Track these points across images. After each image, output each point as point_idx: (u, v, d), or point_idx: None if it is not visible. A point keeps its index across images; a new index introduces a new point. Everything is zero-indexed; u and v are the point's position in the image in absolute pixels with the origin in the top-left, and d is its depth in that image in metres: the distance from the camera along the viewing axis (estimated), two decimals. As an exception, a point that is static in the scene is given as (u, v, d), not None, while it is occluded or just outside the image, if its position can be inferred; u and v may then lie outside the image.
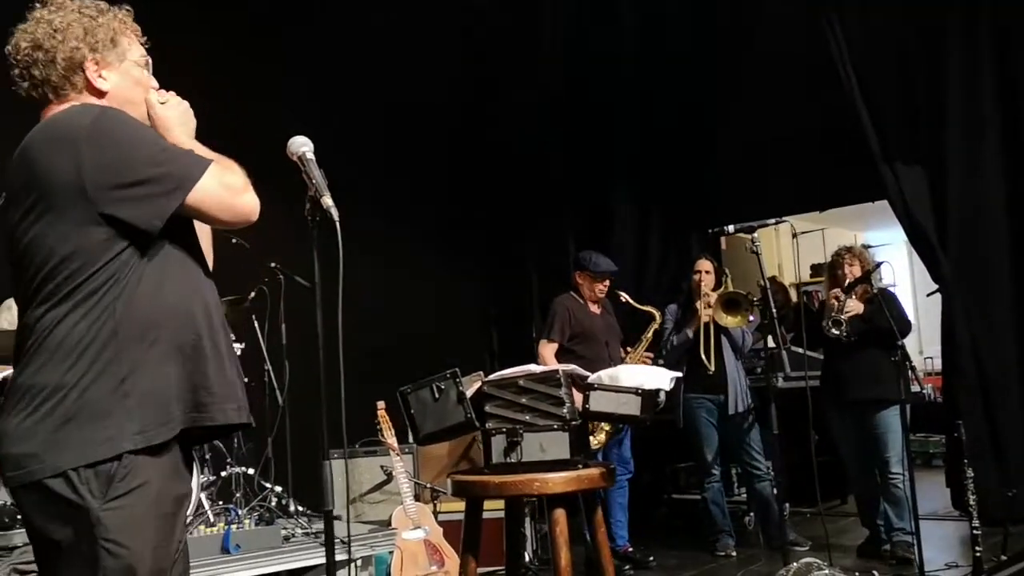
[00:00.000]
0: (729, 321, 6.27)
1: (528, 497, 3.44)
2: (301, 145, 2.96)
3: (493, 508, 4.34)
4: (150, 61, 2.49)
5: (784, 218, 5.22)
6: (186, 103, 2.50)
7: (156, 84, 2.49)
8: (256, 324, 6.30)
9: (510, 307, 9.09)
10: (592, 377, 3.47)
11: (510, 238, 9.06)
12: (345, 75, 7.80)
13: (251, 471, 6.06)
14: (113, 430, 2.11)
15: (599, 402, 3.28)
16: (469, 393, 3.34)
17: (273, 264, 6.16)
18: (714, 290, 6.38)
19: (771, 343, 6.20)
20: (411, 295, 8.11)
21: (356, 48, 7.88)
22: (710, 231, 8.59)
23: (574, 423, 3.30)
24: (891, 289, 6.60)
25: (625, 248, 8.20)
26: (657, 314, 6.35)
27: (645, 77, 8.50)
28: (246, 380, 5.92)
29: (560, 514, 3.27)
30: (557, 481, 3.23)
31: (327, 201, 2.91)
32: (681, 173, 8.28)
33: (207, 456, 5.98)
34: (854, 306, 5.77)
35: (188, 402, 2.23)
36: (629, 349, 6.36)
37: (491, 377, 3.42)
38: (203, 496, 5.62)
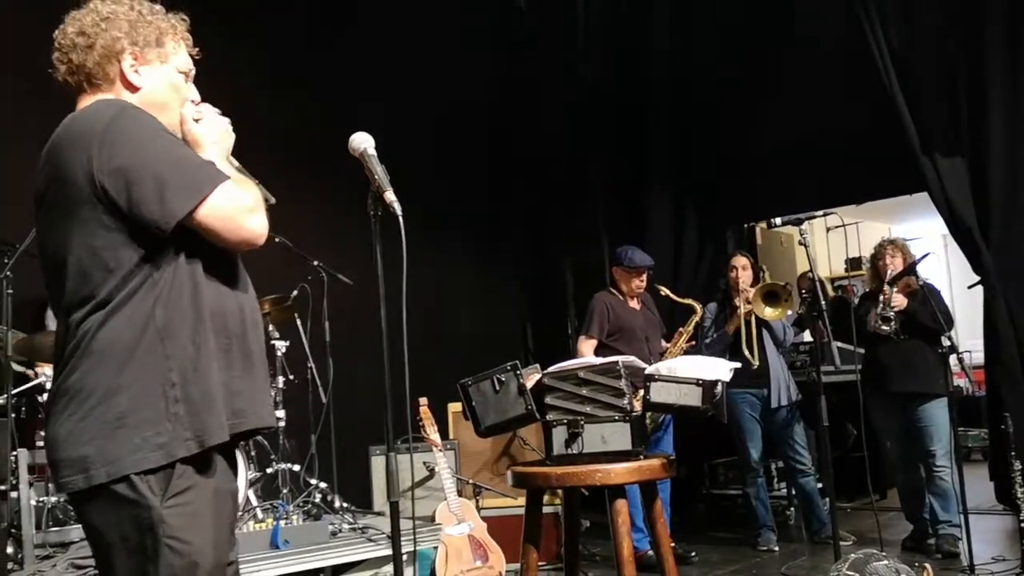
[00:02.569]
0: (769, 314, 6.23)
1: (589, 488, 3.44)
2: (363, 142, 2.99)
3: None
4: (193, 72, 2.47)
5: (831, 211, 5.19)
6: (225, 120, 2.45)
7: (197, 97, 2.46)
8: (299, 322, 6.36)
9: (546, 305, 9.10)
10: (650, 368, 3.48)
11: (546, 236, 9.09)
12: (384, 75, 7.85)
13: (296, 468, 6.11)
14: (166, 436, 2.12)
15: (660, 393, 3.28)
16: (529, 385, 3.36)
17: (316, 262, 6.20)
18: (752, 286, 6.37)
19: (810, 337, 6.20)
20: (448, 293, 8.15)
21: (395, 49, 7.93)
22: (746, 225, 8.58)
23: (635, 414, 3.32)
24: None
25: (661, 244, 8.18)
26: (698, 307, 6.30)
27: (679, 74, 8.49)
28: (291, 378, 6.00)
29: (622, 504, 3.29)
30: (619, 472, 3.24)
31: (390, 196, 2.92)
32: (715, 169, 8.27)
33: (252, 453, 6.04)
34: (898, 300, 5.75)
35: (227, 406, 2.24)
36: (667, 344, 6.33)
37: (551, 369, 3.44)
38: (250, 492, 5.67)
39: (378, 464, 6.60)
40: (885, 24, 6.69)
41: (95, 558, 2.26)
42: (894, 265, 5.88)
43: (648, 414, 5.70)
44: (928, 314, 5.45)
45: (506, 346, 8.76)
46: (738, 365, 3.68)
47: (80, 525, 4.92)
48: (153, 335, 2.15)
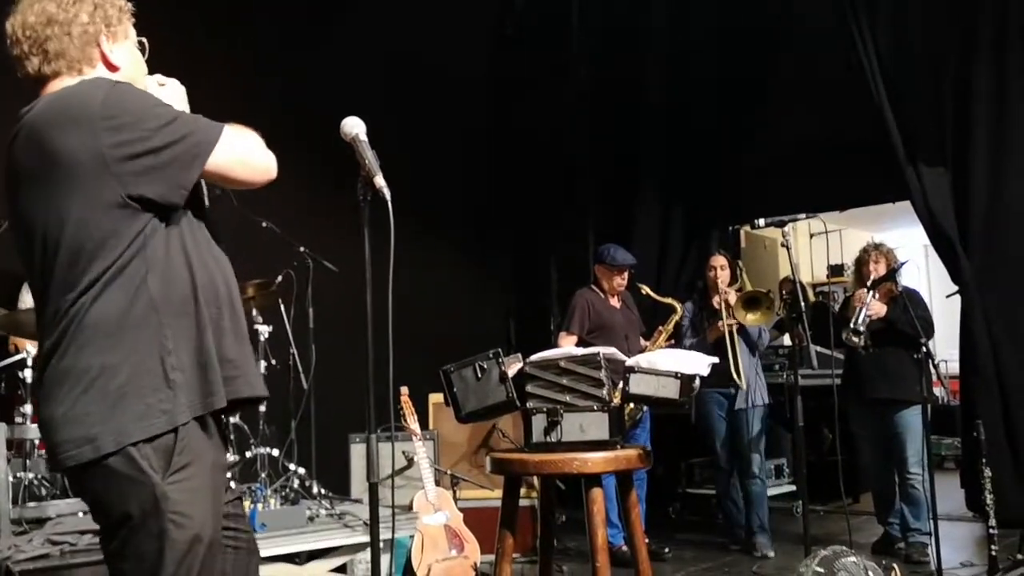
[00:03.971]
0: (750, 319, 6.18)
1: (566, 476, 3.47)
2: (354, 126, 3.02)
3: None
4: (146, 44, 2.50)
5: (815, 215, 5.21)
6: (183, 87, 2.53)
7: (146, 69, 2.51)
8: (283, 308, 6.37)
9: (530, 300, 9.14)
10: (630, 361, 3.52)
11: (532, 232, 9.11)
12: (375, 70, 7.86)
13: (275, 452, 6.12)
14: (168, 404, 2.15)
15: (639, 385, 3.33)
16: (510, 373, 3.39)
17: (302, 248, 6.22)
18: (729, 285, 6.35)
19: (789, 340, 6.25)
20: (432, 286, 8.17)
21: (387, 43, 7.95)
22: (731, 228, 8.64)
23: (613, 405, 3.36)
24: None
25: (646, 243, 8.24)
26: (679, 306, 6.33)
27: (671, 76, 8.56)
28: (273, 363, 6.01)
29: (597, 493, 3.32)
30: (597, 461, 3.27)
31: (379, 181, 2.95)
32: (703, 171, 8.33)
33: (231, 436, 6.05)
34: (876, 308, 5.80)
35: (223, 373, 2.27)
36: (646, 343, 6.36)
37: (533, 358, 3.47)
38: (228, 475, 5.68)
39: (357, 451, 6.63)
40: (874, 33, 6.77)
41: (101, 535, 2.29)
42: (877, 271, 5.92)
43: (627, 410, 5.75)
44: (908, 321, 5.50)
45: (488, 340, 8.70)
46: (716, 360, 3.72)
47: (59, 503, 4.97)
48: (147, 304, 2.17)
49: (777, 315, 6.76)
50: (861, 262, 6.09)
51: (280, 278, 6.26)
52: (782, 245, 4.85)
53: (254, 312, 6.29)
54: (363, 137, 3.02)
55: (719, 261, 6.47)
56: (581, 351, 3.43)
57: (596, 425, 3.30)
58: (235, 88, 7.01)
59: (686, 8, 8.44)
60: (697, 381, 3.53)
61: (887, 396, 5.86)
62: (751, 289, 6.28)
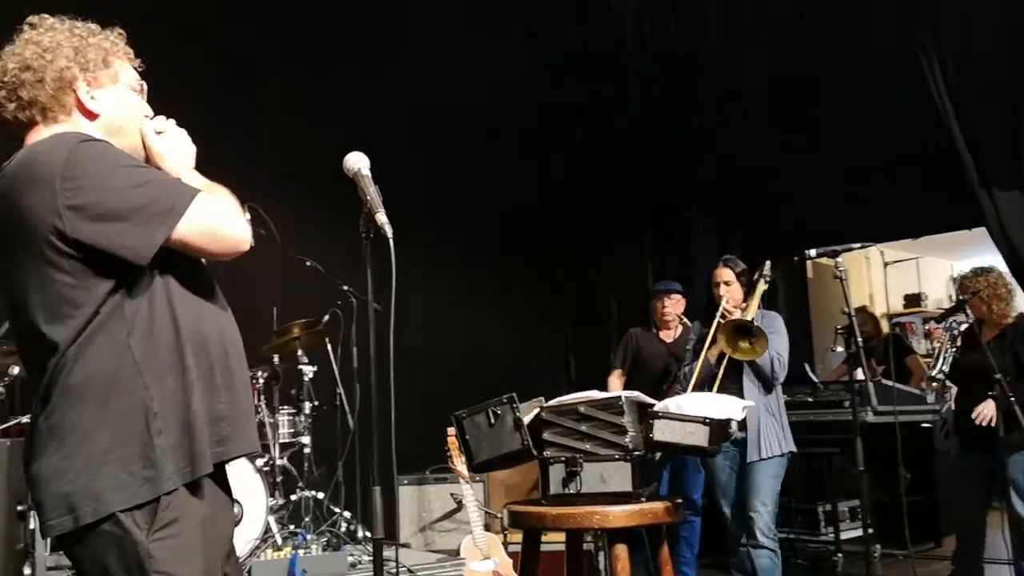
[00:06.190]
0: (741, 353, 4.93)
1: (587, 530, 3.25)
2: (357, 162, 2.98)
3: (557, 540, 4.18)
4: (145, 86, 2.41)
5: (871, 244, 4.83)
6: (183, 131, 2.40)
7: (151, 112, 2.40)
8: (329, 347, 6.30)
9: (590, 335, 8.95)
10: (658, 405, 3.29)
11: (589, 266, 8.96)
12: (427, 99, 7.81)
13: (320, 495, 6.03)
14: (151, 471, 2.07)
15: (663, 431, 3.09)
16: (527, 419, 3.19)
17: (346, 287, 6.13)
18: (745, 301, 5.23)
19: (860, 375, 5.84)
20: (490, 322, 8.08)
21: (444, 73, 7.89)
22: (795, 258, 8.32)
23: (637, 453, 3.13)
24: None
25: (706, 275, 7.98)
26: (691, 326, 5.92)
27: (727, 101, 8.34)
28: (316, 403, 5.94)
29: (621, 550, 3.09)
30: (618, 515, 3.05)
31: (381, 217, 2.89)
32: (764, 198, 8.10)
33: (279, 479, 5.97)
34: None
35: (213, 433, 2.18)
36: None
37: (550, 403, 3.27)
38: (272, 519, 5.59)
39: (405, 494, 6.50)
40: (941, 52, 6.46)
41: None
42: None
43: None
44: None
45: (547, 376, 8.64)
46: (752, 403, 3.47)
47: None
48: (130, 366, 2.09)
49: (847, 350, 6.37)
50: (967, 290, 5.41)
51: (327, 317, 6.21)
52: (835, 277, 4.56)
53: (299, 352, 6.22)
54: (366, 172, 2.98)
55: (723, 275, 5.26)
56: (602, 395, 3.20)
57: (618, 475, 3.08)
58: (274, 119, 7.02)
59: (738, 33, 8.23)
60: (733, 426, 3.28)
61: (1005, 438, 5.13)
62: (735, 318, 5.02)
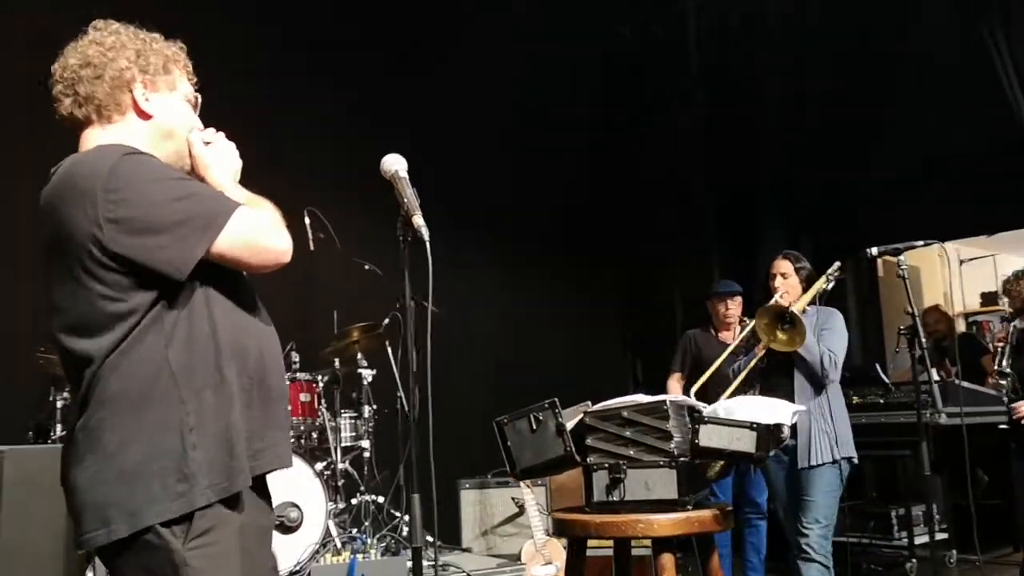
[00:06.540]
0: (778, 343, 4.56)
1: (632, 539, 3.18)
2: (394, 163, 2.90)
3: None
4: (199, 100, 2.42)
5: (934, 242, 4.58)
6: (232, 145, 2.40)
7: (201, 125, 2.40)
8: (389, 350, 6.30)
9: (656, 336, 8.86)
10: (708, 409, 3.20)
11: (654, 266, 8.88)
12: (488, 103, 7.80)
13: (381, 500, 6.03)
14: (185, 485, 2.04)
15: (710, 437, 2.99)
16: (570, 425, 3.12)
17: (410, 292, 6.12)
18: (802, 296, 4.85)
19: (932, 375, 5.65)
20: (554, 323, 8.05)
21: (500, 74, 7.87)
22: (866, 258, 8.12)
23: (683, 459, 3.04)
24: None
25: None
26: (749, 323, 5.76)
27: (791, 99, 8.22)
28: (375, 408, 5.96)
29: (667, 559, 3.01)
30: (663, 523, 2.97)
31: (418, 220, 2.84)
32: (831, 196, 7.95)
33: (340, 484, 5.99)
34: None
35: (248, 447, 2.17)
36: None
37: (594, 408, 3.20)
38: (331, 524, 5.60)
39: (468, 498, 6.49)
40: (1011, 44, 6.25)
41: None
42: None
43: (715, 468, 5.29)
44: None
45: (614, 379, 8.57)
46: (803, 408, 3.35)
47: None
48: (168, 379, 2.08)
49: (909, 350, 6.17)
50: (1010, 294, 5.36)
51: (387, 320, 6.21)
52: (897, 276, 4.41)
53: (359, 356, 6.24)
54: (403, 174, 2.91)
55: (781, 267, 4.88)
56: (647, 399, 3.12)
57: (663, 482, 2.99)
58: (335, 122, 7.07)
59: (803, 30, 8.09)
60: (786, 431, 3.17)
61: None
62: (773, 303, 4.67)
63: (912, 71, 7.39)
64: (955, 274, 9.57)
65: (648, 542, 5.36)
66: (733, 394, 4.21)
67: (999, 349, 5.17)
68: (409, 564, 5.44)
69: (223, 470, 2.09)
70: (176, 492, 2.03)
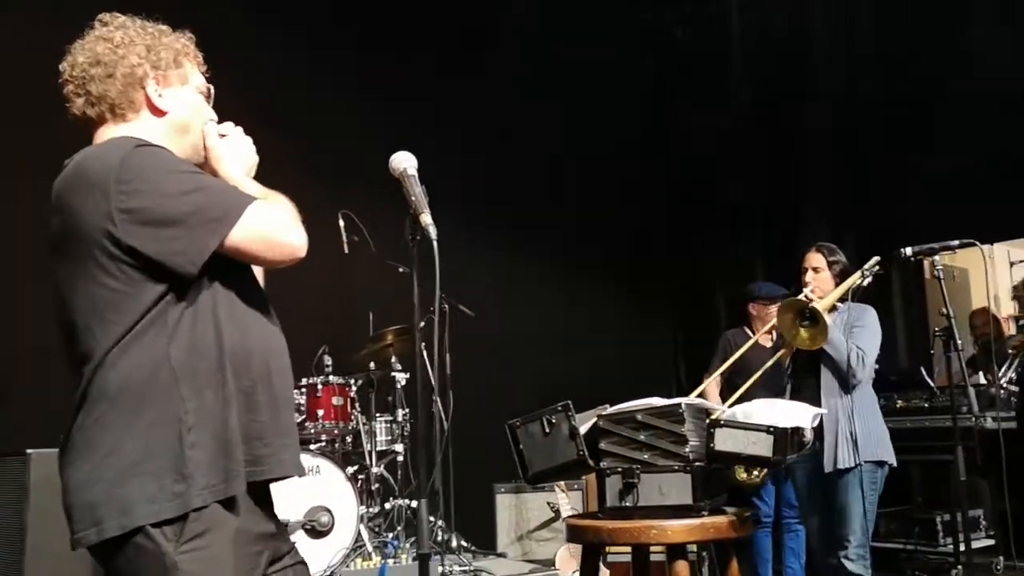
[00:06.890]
0: (800, 341, 4.35)
1: (647, 545, 3.12)
2: (403, 161, 2.87)
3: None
4: (212, 90, 2.40)
5: (971, 243, 4.38)
6: (248, 139, 2.38)
7: (215, 116, 2.39)
8: (424, 354, 6.27)
9: (699, 336, 8.79)
10: (725, 413, 3.13)
11: (698, 266, 8.80)
12: (533, 103, 7.79)
13: (414, 503, 6.00)
14: (181, 486, 2.02)
15: (725, 441, 2.93)
16: (583, 428, 3.07)
17: (441, 294, 6.10)
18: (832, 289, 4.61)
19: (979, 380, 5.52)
20: (597, 325, 8.01)
21: (545, 76, 7.86)
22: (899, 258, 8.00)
23: (698, 464, 2.98)
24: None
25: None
26: None
27: (837, 99, 8.14)
28: (406, 412, 5.95)
29: (682, 567, 2.95)
30: (677, 529, 2.91)
31: (426, 219, 2.80)
32: (878, 198, 7.83)
33: (375, 488, 5.98)
34: None
35: (248, 452, 2.13)
36: None
37: (609, 411, 3.14)
38: (363, 528, 5.59)
39: (503, 502, 6.45)
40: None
41: None
42: None
43: (746, 476, 5.20)
44: None
45: (657, 380, 8.50)
46: (824, 411, 3.26)
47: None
48: (168, 376, 2.06)
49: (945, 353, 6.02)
50: (1021, 300, 5.19)
51: (423, 323, 6.18)
52: (932, 276, 4.30)
53: (392, 359, 6.22)
54: (412, 172, 2.86)
55: (813, 260, 4.66)
56: (661, 401, 3.05)
57: (677, 487, 2.93)
58: (371, 124, 7.07)
59: (850, 31, 8.03)
60: (808, 435, 3.09)
61: None
62: (794, 299, 4.50)
63: (962, 70, 7.25)
64: (1006, 276, 9.38)
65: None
66: (754, 392, 4.01)
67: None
68: (440, 569, 5.44)
69: (221, 472, 2.06)
70: (173, 492, 2.01)
